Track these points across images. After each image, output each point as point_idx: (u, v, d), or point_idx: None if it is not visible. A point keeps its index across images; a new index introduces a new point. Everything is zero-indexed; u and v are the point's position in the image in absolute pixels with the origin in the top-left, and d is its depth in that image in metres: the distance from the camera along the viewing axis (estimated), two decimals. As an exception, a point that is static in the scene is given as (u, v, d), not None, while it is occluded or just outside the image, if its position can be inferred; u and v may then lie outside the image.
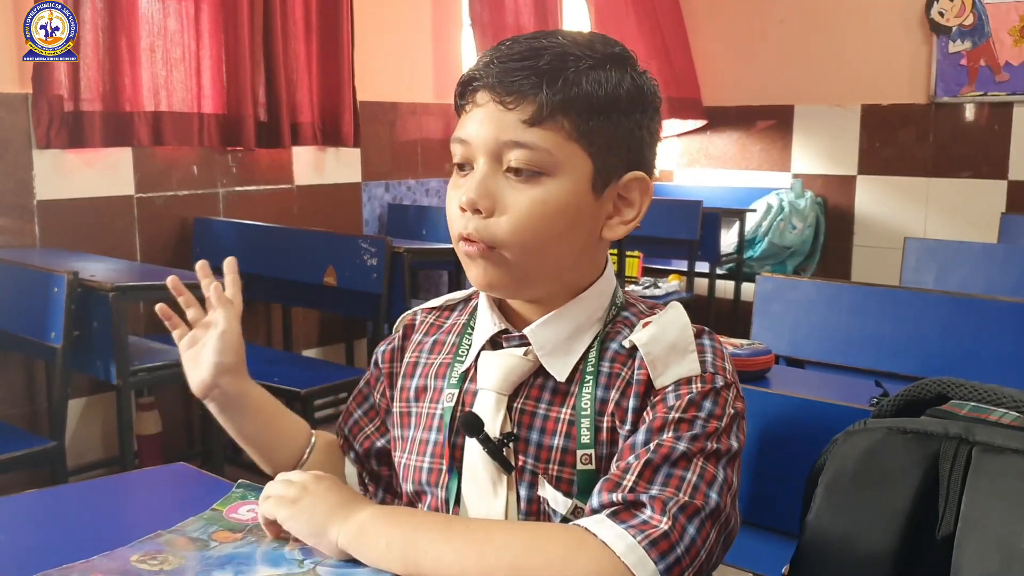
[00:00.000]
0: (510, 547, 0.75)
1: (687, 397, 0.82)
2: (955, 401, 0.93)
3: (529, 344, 0.88)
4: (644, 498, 0.76)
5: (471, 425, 0.87)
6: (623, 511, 0.76)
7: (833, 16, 4.62)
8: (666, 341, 0.85)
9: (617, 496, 0.77)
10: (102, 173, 2.96)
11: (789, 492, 1.08)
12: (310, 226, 3.51)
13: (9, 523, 0.90)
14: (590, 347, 0.88)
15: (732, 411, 0.83)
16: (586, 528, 0.75)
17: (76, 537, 0.84)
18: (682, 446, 0.79)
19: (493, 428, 0.87)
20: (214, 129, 3.18)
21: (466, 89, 0.87)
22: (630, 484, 0.77)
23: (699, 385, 0.83)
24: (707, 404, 0.82)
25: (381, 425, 1.02)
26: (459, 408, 0.91)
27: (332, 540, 0.79)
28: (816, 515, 0.93)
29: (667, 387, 0.83)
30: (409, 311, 1.03)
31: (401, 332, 1.01)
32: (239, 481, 0.94)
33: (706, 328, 0.89)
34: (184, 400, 3.26)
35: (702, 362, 0.84)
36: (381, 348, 1.02)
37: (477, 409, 0.89)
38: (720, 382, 0.84)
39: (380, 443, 1.01)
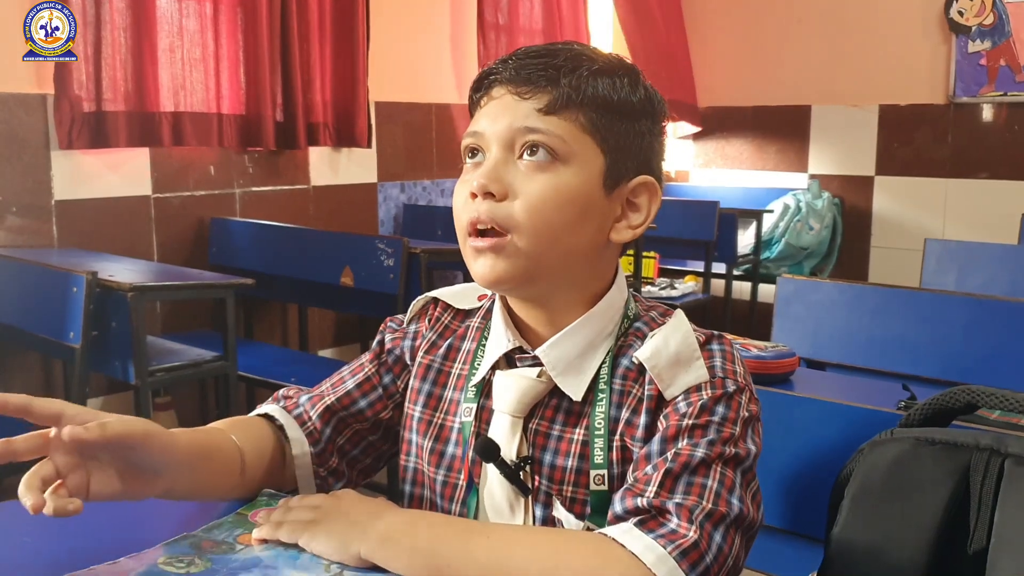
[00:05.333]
0: (534, 561, 0.75)
1: (698, 403, 0.81)
2: (985, 409, 0.92)
3: (543, 364, 0.88)
4: (670, 505, 0.75)
5: (487, 451, 0.87)
6: (650, 519, 0.75)
7: (851, 16, 4.59)
8: (669, 352, 0.85)
9: (642, 502, 0.76)
10: (119, 173, 2.97)
11: (817, 496, 1.07)
12: (326, 226, 3.52)
13: (36, 525, 0.90)
14: (603, 363, 0.88)
15: (746, 414, 0.83)
16: (613, 538, 0.74)
17: (101, 539, 0.84)
18: (700, 453, 0.78)
19: (509, 451, 0.87)
20: (233, 129, 3.20)
21: (481, 84, 0.89)
22: (652, 492, 0.76)
23: (709, 391, 0.82)
24: (720, 409, 0.81)
25: (377, 402, 0.98)
26: (476, 424, 0.90)
27: (355, 553, 0.78)
28: (843, 527, 0.91)
29: (677, 397, 0.83)
30: (423, 299, 1.01)
31: (415, 327, 0.99)
32: (264, 490, 0.94)
33: (716, 333, 0.89)
34: (200, 400, 3.28)
35: (710, 368, 0.84)
36: (390, 336, 1.00)
37: (493, 432, 0.89)
38: (731, 387, 0.83)
39: (381, 416, 0.98)
